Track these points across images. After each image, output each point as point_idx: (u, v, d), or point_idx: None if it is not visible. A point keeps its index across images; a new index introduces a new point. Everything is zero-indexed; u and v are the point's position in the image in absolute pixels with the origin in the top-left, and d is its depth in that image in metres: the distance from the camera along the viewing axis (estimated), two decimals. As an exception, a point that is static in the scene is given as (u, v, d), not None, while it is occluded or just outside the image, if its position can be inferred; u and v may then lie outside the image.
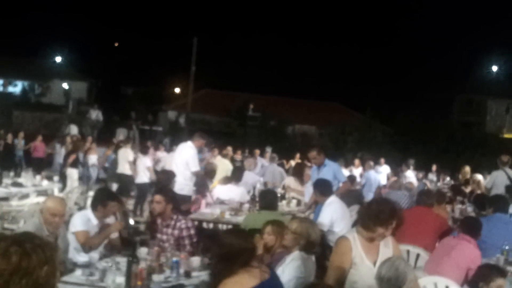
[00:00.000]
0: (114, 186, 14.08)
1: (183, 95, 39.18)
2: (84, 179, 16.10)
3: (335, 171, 9.41)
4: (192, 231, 6.35)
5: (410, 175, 17.82)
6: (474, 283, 4.66)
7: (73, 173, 14.65)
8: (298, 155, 21.58)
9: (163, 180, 8.86)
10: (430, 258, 6.33)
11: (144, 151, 14.73)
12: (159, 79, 45.44)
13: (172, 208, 6.46)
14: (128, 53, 50.81)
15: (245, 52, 55.63)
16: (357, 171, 18.63)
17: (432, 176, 19.72)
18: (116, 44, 56.61)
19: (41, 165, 18.07)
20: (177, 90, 46.17)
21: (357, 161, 19.88)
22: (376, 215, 4.65)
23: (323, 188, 7.88)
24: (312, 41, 66.53)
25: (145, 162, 13.86)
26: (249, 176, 11.77)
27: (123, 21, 65.46)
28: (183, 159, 9.83)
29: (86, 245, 5.87)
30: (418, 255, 6.74)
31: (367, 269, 4.58)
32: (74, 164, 15.02)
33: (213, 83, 41.73)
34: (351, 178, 13.00)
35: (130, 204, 9.63)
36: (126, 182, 13.22)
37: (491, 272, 4.70)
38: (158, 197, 6.35)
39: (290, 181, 12.12)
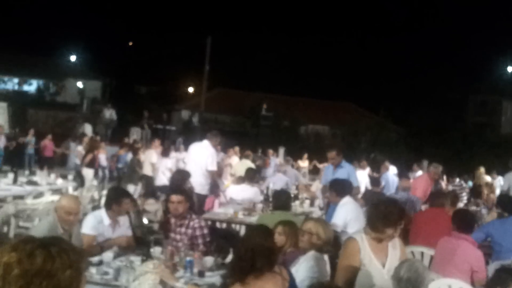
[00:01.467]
0: (130, 188, 14.15)
1: (197, 94, 39.24)
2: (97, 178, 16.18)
3: (350, 173, 9.36)
4: (206, 231, 6.35)
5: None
6: (491, 286, 4.61)
7: (89, 173, 14.74)
8: (306, 155, 21.55)
9: (178, 180, 8.87)
10: (434, 262, 6.29)
11: (165, 152, 14.78)
12: (173, 78, 45.58)
13: (190, 207, 6.48)
14: (142, 52, 50.93)
15: (258, 52, 55.67)
16: (364, 173, 18.56)
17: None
18: (130, 43, 56.80)
19: (51, 164, 18.13)
20: (190, 89, 46.25)
21: (363, 163, 19.83)
22: (385, 215, 4.64)
23: (339, 188, 7.84)
24: (326, 41, 66.43)
25: (166, 163, 13.96)
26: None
27: (137, 20, 65.85)
28: (203, 159, 9.88)
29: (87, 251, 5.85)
30: (432, 257, 6.71)
31: (376, 270, 4.58)
32: (91, 164, 15.11)
33: (227, 82, 41.83)
34: (377, 182, 12.77)
35: (151, 204, 9.64)
36: (150, 183, 13.36)
37: (508, 276, 4.66)
38: (178, 197, 6.28)
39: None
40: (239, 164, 13.77)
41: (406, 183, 10.70)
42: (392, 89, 45.59)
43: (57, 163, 19.89)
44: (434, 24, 67.88)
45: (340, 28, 71.93)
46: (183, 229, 6.29)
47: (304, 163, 21.13)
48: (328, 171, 9.59)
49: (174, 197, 6.32)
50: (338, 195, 7.75)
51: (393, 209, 4.70)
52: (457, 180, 17.95)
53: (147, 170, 14.41)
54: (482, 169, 15.87)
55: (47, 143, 19.97)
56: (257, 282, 3.83)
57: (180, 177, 8.84)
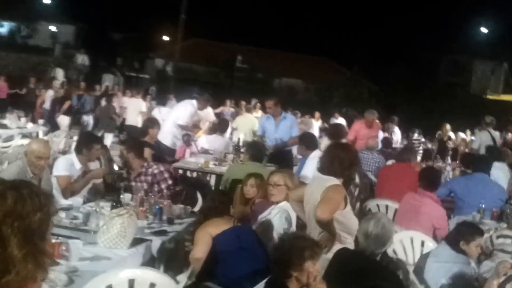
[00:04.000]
0: (108, 136, 14.10)
1: (171, 43, 38.71)
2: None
3: (292, 125, 9.50)
4: (167, 174, 6.35)
5: (397, 132, 17.94)
6: (454, 241, 4.74)
7: (64, 120, 14.54)
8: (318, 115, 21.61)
9: (144, 126, 8.83)
10: (398, 216, 6.46)
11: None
12: (148, 26, 44.75)
13: (140, 155, 6.44)
14: (117, -2, 49.85)
15: (235, 3, 54.91)
16: (316, 123, 19.32)
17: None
18: (105, -12, 55.50)
19: (3, 106, 17.34)
20: (165, 38, 45.60)
21: (317, 114, 20.34)
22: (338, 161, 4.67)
23: (309, 142, 7.95)
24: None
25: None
26: None
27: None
28: (178, 111, 10.01)
29: (67, 190, 5.93)
30: (396, 210, 6.90)
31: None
32: (67, 112, 14.87)
33: (202, 33, 41.23)
34: (387, 141, 12.55)
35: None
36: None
37: (472, 231, 4.79)
38: (121, 147, 6.38)
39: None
40: (242, 118, 13.83)
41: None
42: (366, 46, 45.56)
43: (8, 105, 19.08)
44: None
45: (318, -19, 71.16)
46: (142, 177, 6.30)
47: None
48: (269, 123, 9.47)
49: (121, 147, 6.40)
50: (308, 148, 7.86)
51: (344, 154, 4.66)
52: (416, 135, 18.28)
53: (131, 119, 14.30)
54: (448, 126, 16.12)
55: (1, 84, 18.57)
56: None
57: (148, 124, 8.78)
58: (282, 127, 9.23)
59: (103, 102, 16.13)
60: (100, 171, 6.22)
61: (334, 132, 9.31)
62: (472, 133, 17.00)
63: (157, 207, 5.33)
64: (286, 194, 5.22)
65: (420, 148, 15.08)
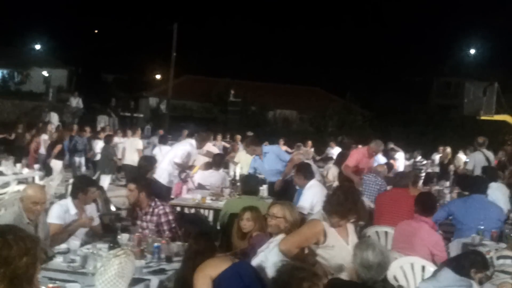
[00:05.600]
0: (106, 178, 14.06)
1: (164, 81, 38.98)
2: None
3: (278, 154, 9.71)
4: (171, 217, 6.39)
5: (400, 157, 18.06)
6: (461, 267, 4.70)
7: (57, 164, 14.52)
8: (282, 141, 21.59)
9: (143, 166, 8.87)
10: (393, 243, 6.46)
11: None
12: (140, 65, 45.17)
13: (150, 195, 6.47)
14: (108, 40, 50.33)
15: (225, 38, 55.45)
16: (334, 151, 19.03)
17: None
18: (96, 31, 56.02)
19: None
20: (158, 76, 45.95)
21: (309, 143, 20.49)
22: (338, 204, 4.92)
23: (306, 172, 7.96)
24: (291, 25, 66.52)
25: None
26: None
27: (103, 7, 64.81)
28: (175, 150, 10.09)
29: (54, 239, 5.83)
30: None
31: (343, 248, 4.80)
32: (60, 156, 14.86)
33: (194, 69, 41.59)
34: (389, 166, 12.58)
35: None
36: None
37: (483, 262, 4.80)
38: (130, 186, 6.39)
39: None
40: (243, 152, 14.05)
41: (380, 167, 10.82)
42: (358, 73, 45.95)
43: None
44: (399, 8, 68.28)
45: (306, 13, 72.00)
46: (148, 217, 6.34)
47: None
48: (258, 162, 9.85)
49: (129, 185, 6.41)
50: (306, 178, 7.86)
51: (344, 199, 4.93)
52: (419, 157, 18.40)
53: (130, 159, 14.33)
54: (448, 149, 16.21)
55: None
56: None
57: (146, 164, 8.82)
58: (269, 161, 9.44)
59: (100, 143, 16.11)
60: (86, 221, 6.09)
61: (341, 160, 9.48)
62: (466, 154, 17.08)
63: (155, 245, 5.32)
64: (284, 227, 5.17)
65: (422, 171, 15.14)
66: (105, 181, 13.76)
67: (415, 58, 48.22)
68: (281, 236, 5.14)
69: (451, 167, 15.79)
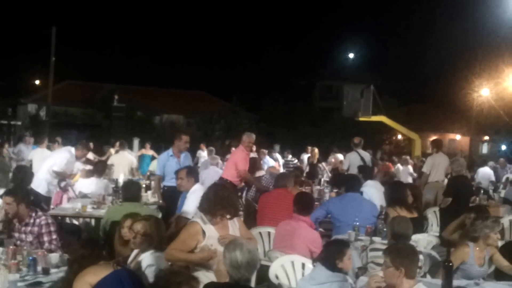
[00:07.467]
0: None
1: (44, 87, 37.50)
2: None
3: (187, 158, 9.82)
4: (52, 228, 6.15)
5: (279, 158, 18.99)
6: (328, 261, 4.87)
7: None
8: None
9: (18, 178, 8.47)
10: (274, 242, 6.65)
11: None
12: (17, 71, 43.27)
13: (30, 205, 6.21)
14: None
15: (107, 42, 54.37)
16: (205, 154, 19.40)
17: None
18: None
19: None
20: (37, 82, 44.13)
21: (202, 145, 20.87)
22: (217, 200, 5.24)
23: (194, 174, 7.91)
24: (176, 28, 66.39)
25: None
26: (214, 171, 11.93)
27: (-25, 9, 61.43)
28: (54, 158, 9.64)
29: None
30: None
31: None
32: None
33: (76, 74, 40.33)
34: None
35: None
36: None
37: (340, 247, 4.97)
38: (7, 199, 6.04)
39: None
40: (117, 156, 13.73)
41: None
42: (243, 77, 46.61)
43: None
44: (283, 14, 69.98)
45: (192, 17, 72.06)
46: (29, 228, 6.07)
47: (148, 152, 20.48)
48: (172, 162, 9.57)
49: (6, 198, 6.09)
50: (194, 181, 7.77)
51: (213, 197, 5.22)
52: (290, 156, 19.35)
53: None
54: (316, 150, 16.98)
55: None
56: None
57: (22, 175, 8.43)
58: (184, 162, 9.40)
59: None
60: None
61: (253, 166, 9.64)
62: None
63: (30, 258, 5.10)
64: (148, 244, 4.93)
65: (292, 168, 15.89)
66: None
67: (299, 62, 49.77)
68: (147, 254, 4.92)
69: (321, 167, 16.58)
